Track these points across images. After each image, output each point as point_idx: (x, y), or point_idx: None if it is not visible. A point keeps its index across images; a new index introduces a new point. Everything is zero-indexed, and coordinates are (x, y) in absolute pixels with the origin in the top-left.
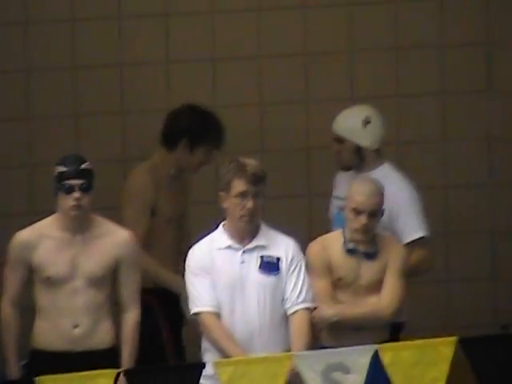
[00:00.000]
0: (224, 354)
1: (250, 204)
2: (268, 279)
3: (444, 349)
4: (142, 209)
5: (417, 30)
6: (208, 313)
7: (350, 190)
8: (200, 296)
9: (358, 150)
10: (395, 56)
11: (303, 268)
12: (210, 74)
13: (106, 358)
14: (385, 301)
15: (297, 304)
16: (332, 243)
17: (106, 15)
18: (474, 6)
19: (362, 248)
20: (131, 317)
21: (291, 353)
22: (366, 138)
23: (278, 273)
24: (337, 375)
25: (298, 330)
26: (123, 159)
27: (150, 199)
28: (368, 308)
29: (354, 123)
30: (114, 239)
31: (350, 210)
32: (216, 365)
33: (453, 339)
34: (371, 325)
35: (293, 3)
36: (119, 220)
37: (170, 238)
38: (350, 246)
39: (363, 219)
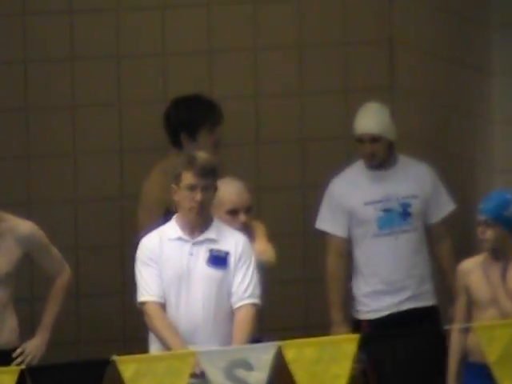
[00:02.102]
0: (165, 345)
1: (198, 196)
2: (215, 273)
3: (346, 346)
4: (154, 208)
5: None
6: (153, 303)
7: (219, 193)
8: (146, 285)
9: (391, 146)
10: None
11: (252, 264)
12: (206, 66)
13: (10, 357)
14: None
15: (242, 299)
16: None
17: (104, 8)
18: (375, 3)
19: None
20: (61, 279)
21: (194, 349)
22: (394, 131)
23: (225, 267)
24: (240, 372)
25: (241, 324)
26: (120, 149)
27: (163, 199)
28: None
29: (387, 119)
30: (16, 234)
31: (224, 213)
32: (118, 361)
33: (355, 336)
34: None
35: None
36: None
37: None
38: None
39: (242, 217)
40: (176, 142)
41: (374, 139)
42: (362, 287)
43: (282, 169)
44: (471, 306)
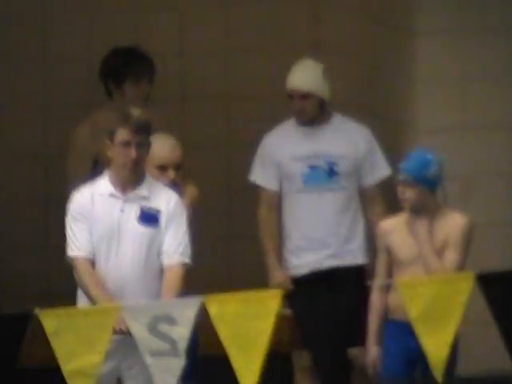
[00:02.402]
0: (92, 301)
1: (132, 153)
2: (145, 230)
3: (270, 302)
4: (82, 158)
5: None
6: (82, 258)
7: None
8: (76, 240)
9: (322, 103)
10: None
11: (184, 222)
12: (177, 23)
13: None
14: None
15: (172, 258)
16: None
17: None
18: None
19: None
20: None
21: (118, 304)
22: (328, 90)
23: (156, 225)
24: (163, 327)
25: (169, 283)
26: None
27: (91, 150)
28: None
29: (318, 77)
30: None
31: (154, 167)
32: (40, 315)
33: (278, 292)
34: None
35: None
36: None
37: None
38: None
39: (171, 174)
40: (108, 93)
41: (304, 96)
42: (286, 243)
43: (208, 127)
44: (392, 265)
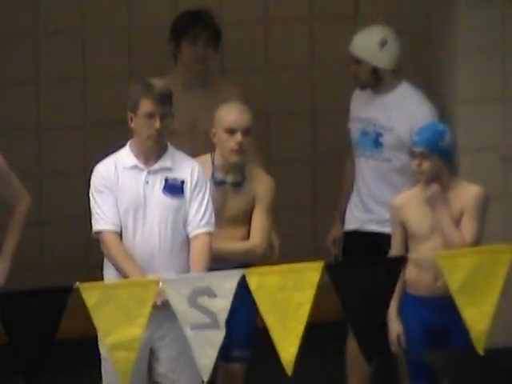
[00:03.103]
0: (123, 273)
1: (157, 124)
2: (171, 201)
3: (310, 274)
4: None
5: None
6: (109, 231)
7: (220, 112)
8: (103, 214)
9: (376, 71)
10: None
11: (207, 192)
12: None
13: None
14: (256, 238)
15: (199, 227)
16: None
17: None
18: None
19: (229, 179)
20: (21, 207)
21: (158, 277)
22: (384, 58)
23: (181, 195)
24: (203, 300)
25: (199, 253)
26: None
27: None
28: (241, 245)
29: (372, 44)
30: None
31: (222, 131)
32: (81, 288)
33: (319, 264)
34: (242, 260)
35: None
36: None
37: None
38: (219, 177)
39: (238, 137)
40: (174, 56)
41: (356, 60)
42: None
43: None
44: (408, 239)
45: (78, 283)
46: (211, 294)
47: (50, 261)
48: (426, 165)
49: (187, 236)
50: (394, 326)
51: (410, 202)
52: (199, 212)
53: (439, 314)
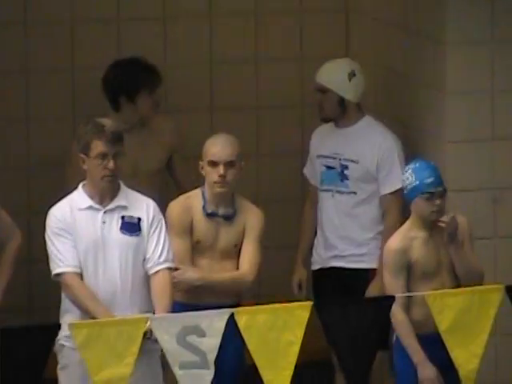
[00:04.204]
0: (89, 314)
1: (110, 164)
2: (129, 239)
3: (299, 313)
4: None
5: None
6: (71, 273)
7: (205, 145)
8: (62, 256)
9: (341, 102)
10: None
11: (164, 228)
12: (162, 33)
13: None
14: (246, 268)
15: (158, 264)
16: (193, 203)
17: None
18: None
19: (221, 211)
20: (11, 244)
21: (147, 315)
22: (351, 90)
23: (139, 233)
24: (192, 338)
25: (161, 290)
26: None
27: None
28: (231, 275)
29: (340, 75)
30: None
31: (206, 163)
32: (71, 326)
33: (308, 303)
34: (232, 290)
35: None
36: None
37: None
38: (210, 209)
39: (220, 170)
40: (115, 106)
41: (322, 90)
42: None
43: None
44: (411, 280)
45: (69, 320)
46: (200, 332)
47: (38, 297)
48: (443, 202)
49: (146, 273)
50: (428, 372)
51: (413, 242)
52: (158, 248)
53: (447, 351)
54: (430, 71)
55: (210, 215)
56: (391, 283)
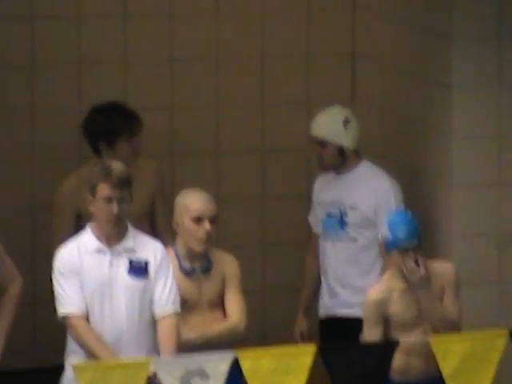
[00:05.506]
0: (94, 356)
1: (115, 209)
2: (137, 283)
3: (303, 357)
4: (65, 212)
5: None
6: (77, 315)
7: (186, 200)
8: (69, 298)
9: (341, 151)
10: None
11: (171, 272)
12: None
13: None
14: (235, 317)
15: (165, 307)
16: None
17: None
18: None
19: (198, 265)
20: (13, 288)
21: (150, 357)
22: (348, 138)
23: (147, 276)
24: (196, 381)
25: (167, 333)
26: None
27: (73, 204)
28: (224, 327)
29: (336, 125)
30: None
31: (190, 219)
32: (75, 368)
33: (312, 348)
34: (228, 342)
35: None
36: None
37: None
38: (187, 266)
39: (207, 226)
40: (96, 151)
41: (321, 143)
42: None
43: (243, 179)
44: (392, 330)
45: (74, 363)
46: (204, 375)
47: (43, 340)
48: (420, 257)
49: (153, 316)
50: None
51: (391, 294)
52: (164, 292)
53: None
54: (436, 115)
55: (190, 273)
56: (368, 334)
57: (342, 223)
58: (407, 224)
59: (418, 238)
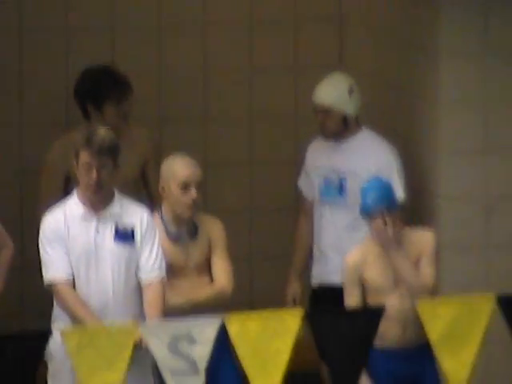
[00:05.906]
0: (79, 321)
1: (94, 175)
2: (123, 249)
3: (291, 321)
4: (53, 176)
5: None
6: (62, 281)
7: (172, 166)
8: (55, 264)
9: (345, 119)
10: None
11: (157, 238)
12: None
13: None
14: (223, 280)
15: (151, 273)
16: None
17: None
18: None
19: (184, 230)
20: (4, 254)
21: (137, 322)
22: (352, 106)
23: (132, 242)
24: (183, 346)
25: (153, 300)
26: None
27: (61, 167)
28: (212, 291)
29: (342, 92)
30: None
31: (176, 186)
32: (62, 333)
33: (299, 312)
34: (215, 306)
35: None
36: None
37: None
38: (174, 231)
39: (193, 192)
40: (85, 114)
41: (325, 111)
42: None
43: (231, 145)
44: (367, 295)
45: (62, 327)
46: (191, 340)
47: (30, 305)
48: (390, 220)
49: (139, 282)
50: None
51: (367, 257)
52: (150, 258)
53: (408, 366)
54: (423, 83)
55: (177, 237)
56: (346, 298)
57: (341, 190)
58: (375, 190)
59: (388, 204)
